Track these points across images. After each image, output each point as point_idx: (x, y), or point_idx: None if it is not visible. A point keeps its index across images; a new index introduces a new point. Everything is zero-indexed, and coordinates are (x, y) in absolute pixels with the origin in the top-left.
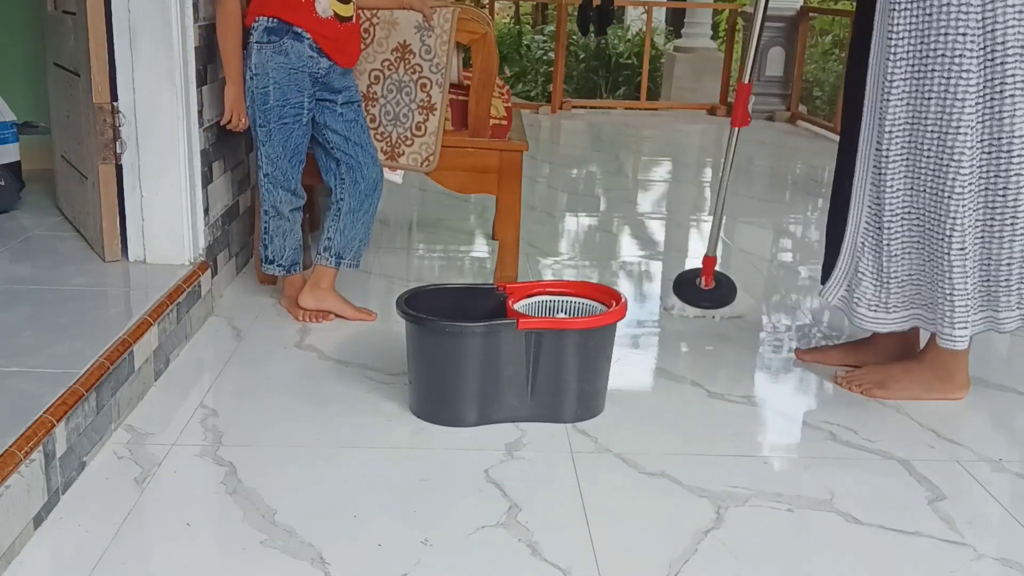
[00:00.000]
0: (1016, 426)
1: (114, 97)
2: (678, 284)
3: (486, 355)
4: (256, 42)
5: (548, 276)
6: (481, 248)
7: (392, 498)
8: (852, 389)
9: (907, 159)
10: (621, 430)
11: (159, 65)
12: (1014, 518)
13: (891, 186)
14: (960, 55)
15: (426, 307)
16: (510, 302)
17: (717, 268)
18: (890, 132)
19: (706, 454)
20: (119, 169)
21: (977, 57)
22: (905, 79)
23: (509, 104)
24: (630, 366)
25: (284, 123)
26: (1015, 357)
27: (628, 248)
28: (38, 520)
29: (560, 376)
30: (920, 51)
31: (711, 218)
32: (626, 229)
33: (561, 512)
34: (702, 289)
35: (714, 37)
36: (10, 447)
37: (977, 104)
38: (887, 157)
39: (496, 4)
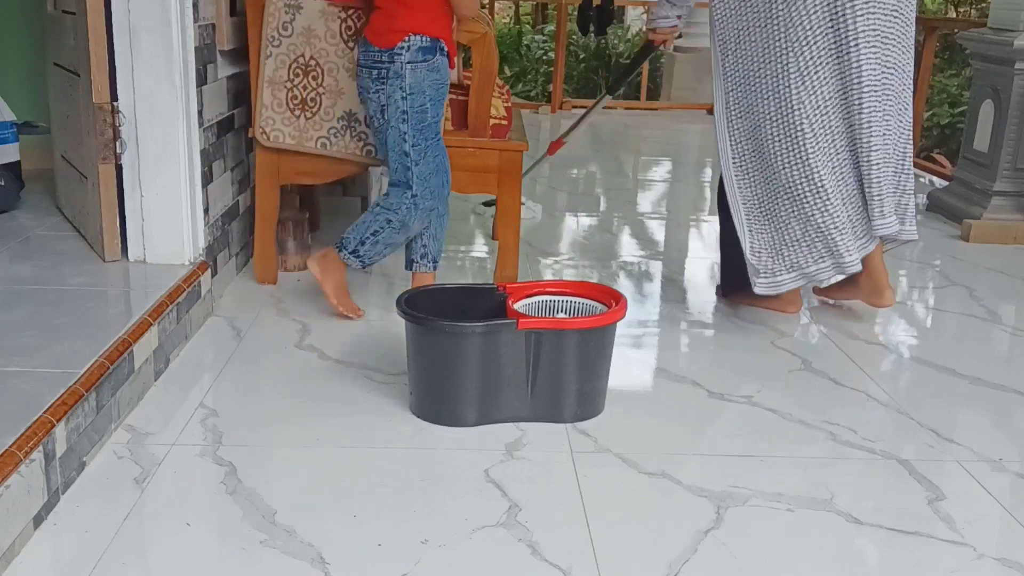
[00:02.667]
0: (1016, 426)
1: (114, 97)
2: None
3: (486, 355)
4: (409, 62)
5: (548, 276)
6: (481, 248)
7: (392, 498)
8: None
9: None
10: (621, 430)
11: (159, 65)
12: (1014, 518)
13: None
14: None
15: (426, 307)
16: (510, 302)
17: None
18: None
19: (706, 454)
20: (119, 169)
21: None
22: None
23: (509, 104)
24: (630, 366)
25: (437, 140)
26: (1015, 357)
27: (628, 248)
28: (38, 520)
29: (560, 376)
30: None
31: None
32: (626, 229)
33: (561, 512)
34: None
35: None
36: (10, 447)
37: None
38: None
39: (496, 4)
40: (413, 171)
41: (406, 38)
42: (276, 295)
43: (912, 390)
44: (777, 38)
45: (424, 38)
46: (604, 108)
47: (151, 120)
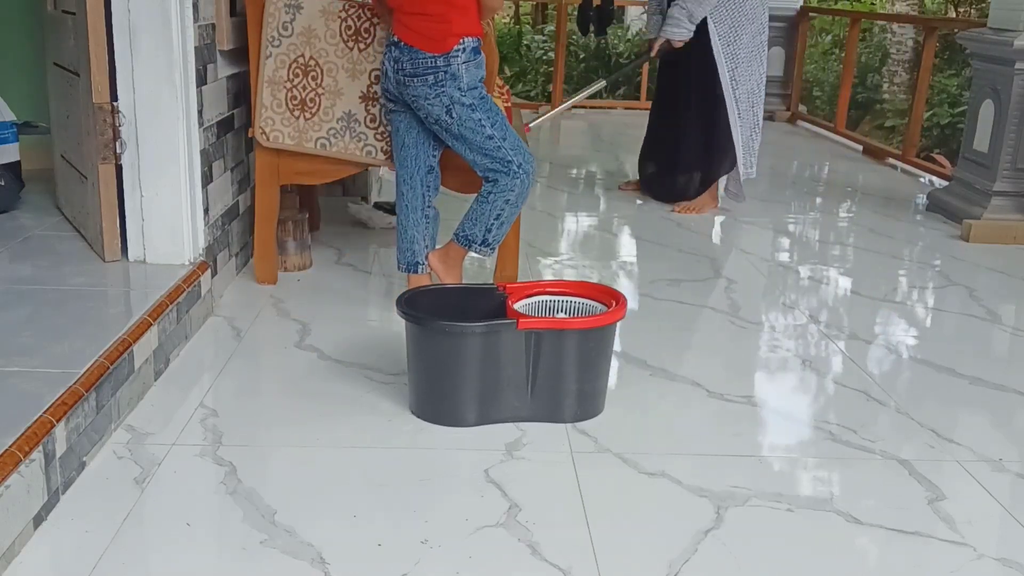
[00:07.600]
0: (1016, 426)
1: (114, 97)
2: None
3: (486, 355)
4: (464, 62)
5: (548, 276)
6: None
7: (392, 498)
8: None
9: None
10: (621, 430)
11: (159, 65)
12: (1014, 518)
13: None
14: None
15: (426, 307)
16: (510, 302)
17: None
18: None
19: (706, 454)
20: (119, 169)
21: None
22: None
23: (509, 104)
24: (630, 366)
25: (504, 118)
26: (1015, 357)
27: (628, 248)
28: (38, 520)
29: (560, 376)
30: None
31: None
32: (626, 229)
33: (561, 512)
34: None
35: None
36: (10, 447)
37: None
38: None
39: None
40: (505, 147)
41: (461, 41)
42: (276, 295)
43: (912, 390)
44: None
45: (474, 39)
46: (604, 109)
47: (151, 120)
